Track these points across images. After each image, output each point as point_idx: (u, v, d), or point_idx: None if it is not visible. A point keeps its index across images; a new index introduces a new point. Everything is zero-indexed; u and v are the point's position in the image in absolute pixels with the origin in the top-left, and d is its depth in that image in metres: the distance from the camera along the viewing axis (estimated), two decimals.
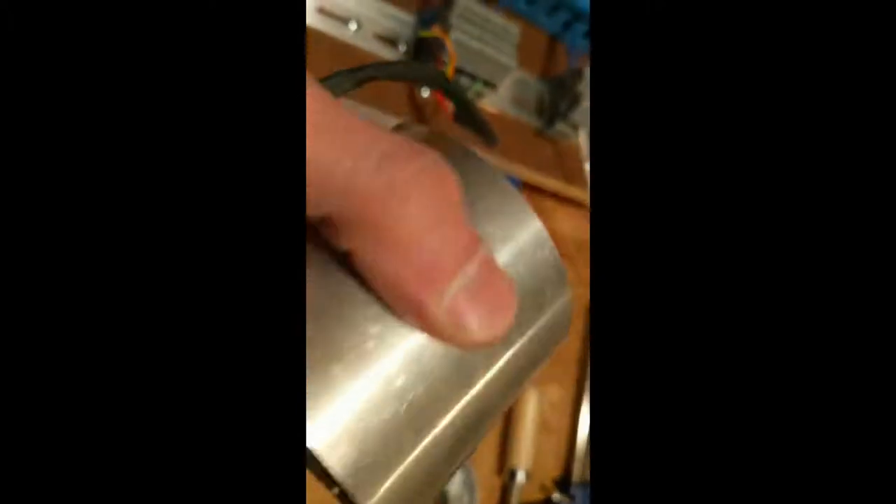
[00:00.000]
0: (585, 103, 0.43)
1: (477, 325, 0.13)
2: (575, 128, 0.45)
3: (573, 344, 0.56)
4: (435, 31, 0.35)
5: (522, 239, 0.15)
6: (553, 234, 0.16)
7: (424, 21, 0.36)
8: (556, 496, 0.52)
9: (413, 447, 0.14)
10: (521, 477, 0.49)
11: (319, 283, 0.14)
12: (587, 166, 0.47)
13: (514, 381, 0.16)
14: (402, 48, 0.38)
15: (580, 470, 0.54)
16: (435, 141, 0.16)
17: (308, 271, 0.14)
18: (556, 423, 0.54)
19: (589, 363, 0.53)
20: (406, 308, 0.13)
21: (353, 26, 0.38)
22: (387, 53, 0.38)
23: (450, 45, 0.34)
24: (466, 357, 0.14)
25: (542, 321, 0.16)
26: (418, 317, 0.13)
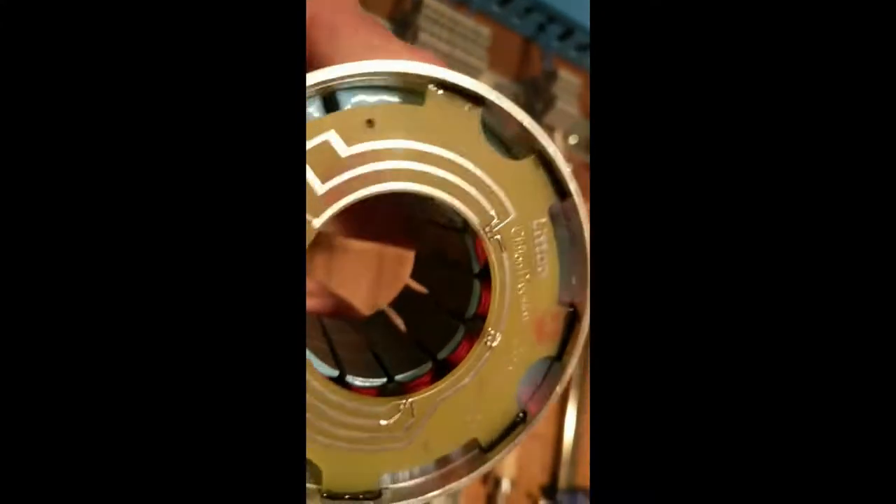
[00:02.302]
0: (560, 105, 0.43)
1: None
2: (550, 130, 0.45)
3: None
4: None
5: None
6: None
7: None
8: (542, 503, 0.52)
9: None
10: (505, 486, 0.49)
11: None
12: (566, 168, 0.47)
13: None
14: None
15: (566, 476, 0.53)
16: None
17: None
18: (541, 429, 0.53)
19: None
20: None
21: None
22: None
23: None
24: None
25: None
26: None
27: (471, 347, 0.18)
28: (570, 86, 0.46)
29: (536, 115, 0.44)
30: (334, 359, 0.20)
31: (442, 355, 0.19)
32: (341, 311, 0.25)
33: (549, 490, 0.52)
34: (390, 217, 0.25)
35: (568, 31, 0.46)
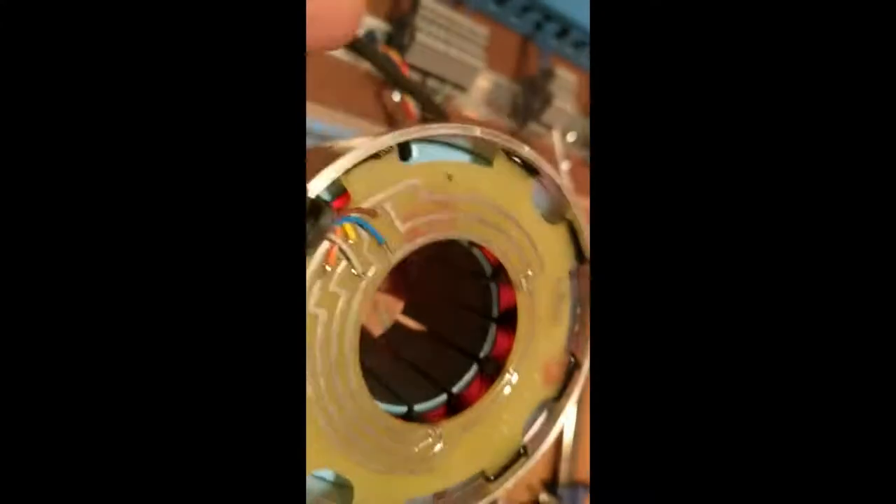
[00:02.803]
0: (557, 103, 0.43)
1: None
2: (548, 128, 0.45)
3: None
4: (382, 48, 0.36)
5: None
6: None
7: (370, 39, 0.37)
8: (543, 497, 0.52)
9: None
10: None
11: None
12: (564, 165, 0.47)
13: None
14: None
15: (567, 471, 0.53)
16: None
17: None
18: None
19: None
20: None
21: None
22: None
23: (397, 58, 0.35)
24: None
25: None
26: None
27: (483, 384, 0.21)
28: (567, 83, 0.46)
29: (534, 114, 0.44)
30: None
31: (455, 389, 0.21)
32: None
33: (550, 484, 0.53)
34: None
35: (565, 30, 0.46)
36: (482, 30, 0.38)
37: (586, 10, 0.46)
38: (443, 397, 0.21)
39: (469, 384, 0.21)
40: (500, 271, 0.21)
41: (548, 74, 0.44)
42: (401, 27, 0.36)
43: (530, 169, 0.20)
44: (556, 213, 0.21)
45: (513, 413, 0.21)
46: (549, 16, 0.45)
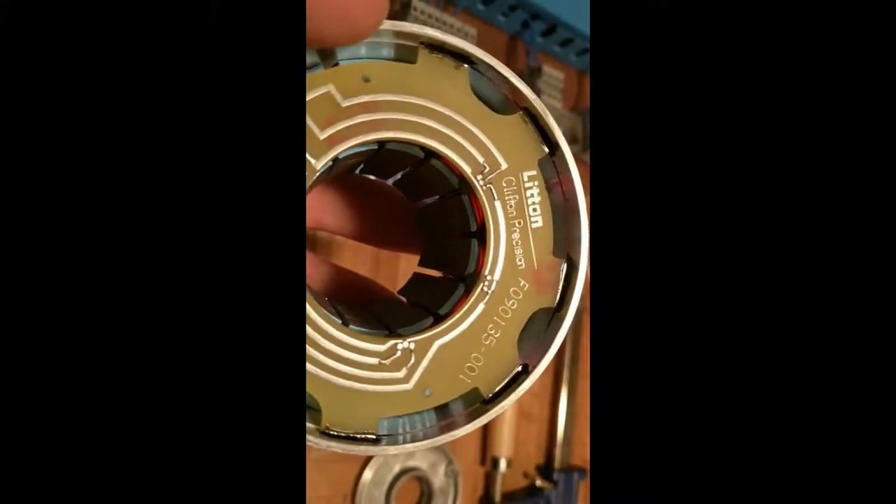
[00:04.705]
0: (545, 99, 0.45)
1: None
2: None
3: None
4: None
5: None
6: None
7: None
8: (538, 482, 0.53)
9: None
10: (503, 465, 0.50)
11: None
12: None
13: None
14: None
15: (561, 456, 0.55)
16: None
17: None
18: (536, 411, 0.55)
19: (567, 350, 0.55)
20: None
21: None
22: None
23: None
24: None
25: None
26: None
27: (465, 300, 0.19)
28: (555, 80, 0.47)
29: None
30: (338, 313, 0.20)
31: (443, 311, 0.20)
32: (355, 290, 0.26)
33: (545, 469, 0.54)
34: (387, 214, 0.26)
35: (551, 28, 0.48)
36: (471, 29, 0.39)
37: (572, 8, 0.47)
38: (429, 320, 0.20)
39: (456, 303, 0.20)
40: (464, 181, 0.19)
41: (535, 72, 0.45)
42: None
43: (462, 59, 0.19)
44: (508, 104, 0.19)
45: (502, 327, 0.19)
46: (535, 14, 0.47)
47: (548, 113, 0.19)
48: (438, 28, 0.35)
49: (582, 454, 0.56)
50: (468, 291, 0.19)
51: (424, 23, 0.37)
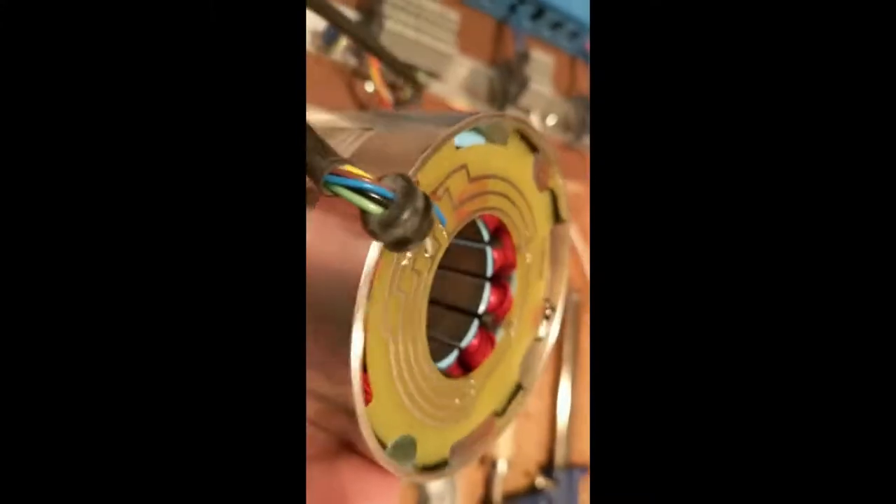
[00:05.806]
0: (534, 86, 0.43)
1: None
2: (527, 112, 0.45)
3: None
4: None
5: None
6: None
7: (331, 36, 0.36)
8: (539, 482, 0.52)
9: None
10: (502, 466, 0.49)
11: None
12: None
13: None
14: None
15: (562, 454, 0.54)
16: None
17: None
18: (535, 408, 0.54)
19: (564, 349, 0.53)
20: None
21: None
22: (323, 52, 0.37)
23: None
24: None
25: None
26: None
27: (484, 336, 0.24)
28: (544, 66, 0.45)
29: (512, 98, 0.44)
30: None
31: (464, 345, 0.24)
32: None
33: (546, 468, 0.53)
34: None
35: (539, 11, 0.46)
36: (453, 15, 0.37)
37: None
38: (455, 353, 0.24)
39: (473, 339, 0.24)
40: (497, 236, 0.23)
41: (523, 58, 0.43)
42: (369, 16, 0.35)
43: (532, 147, 0.23)
44: (544, 182, 0.24)
45: (514, 356, 0.24)
46: None
47: (563, 195, 0.25)
48: (414, 18, 0.34)
49: (583, 451, 0.55)
50: (484, 329, 0.24)
51: (403, 9, 0.34)
